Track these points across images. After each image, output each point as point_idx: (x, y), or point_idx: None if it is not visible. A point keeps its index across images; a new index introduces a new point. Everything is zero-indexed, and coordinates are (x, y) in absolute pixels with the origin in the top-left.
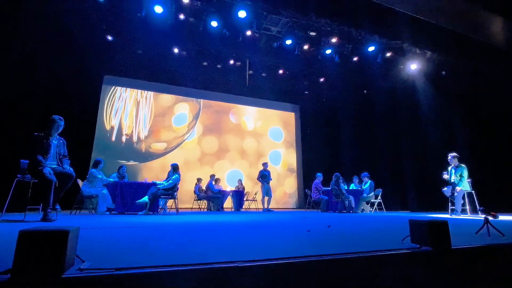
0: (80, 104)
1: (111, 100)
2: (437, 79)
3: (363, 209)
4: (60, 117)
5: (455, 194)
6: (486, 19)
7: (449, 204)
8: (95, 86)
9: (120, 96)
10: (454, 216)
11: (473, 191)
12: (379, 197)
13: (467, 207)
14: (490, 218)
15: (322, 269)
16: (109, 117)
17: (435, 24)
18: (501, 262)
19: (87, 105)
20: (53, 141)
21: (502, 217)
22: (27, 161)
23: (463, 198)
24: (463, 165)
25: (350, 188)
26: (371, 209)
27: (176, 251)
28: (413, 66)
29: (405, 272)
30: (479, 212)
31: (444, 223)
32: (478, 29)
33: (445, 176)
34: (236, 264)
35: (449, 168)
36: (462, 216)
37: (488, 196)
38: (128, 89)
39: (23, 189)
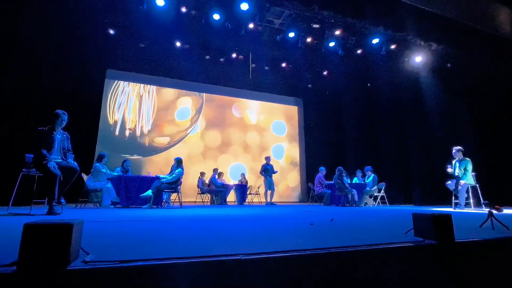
0: (84, 99)
1: (114, 94)
2: (442, 72)
3: (366, 203)
4: (64, 111)
5: (459, 187)
6: (492, 10)
7: (453, 197)
8: (98, 80)
9: (123, 90)
10: (457, 210)
11: (477, 185)
12: (382, 191)
13: (471, 200)
14: (494, 211)
15: (326, 262)
16: (113, 111)
17: (441, 15)
18: (506, 255)
19: (90, 99)
20: (57, 135)
21: (506, 211)
22: (32, 155)
23: (467, 191)
24: (468, 159)
25: (353, 182)
26: (374, 203)
27: (179, 244)
28: (418, 59)
29: (409, 265)
30: (483, 205)
31: (448, 216)
32: (485, 20)
33: (449, 170)
34: (239, 257)
35: (453, 162)
36: (466, 210)
37: (492, 190)
38: (131, 83)
39: (29, 183)
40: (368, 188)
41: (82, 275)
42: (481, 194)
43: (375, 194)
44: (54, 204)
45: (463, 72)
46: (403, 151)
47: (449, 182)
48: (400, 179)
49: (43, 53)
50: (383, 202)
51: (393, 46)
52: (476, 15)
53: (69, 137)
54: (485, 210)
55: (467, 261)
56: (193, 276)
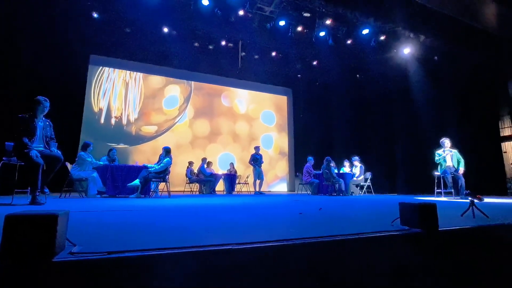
0: (66, 85)
1: (99, 81)
2: (429, 64)
3: (352, 192)
4: (45, 98)
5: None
6: (479, 4)
7: (435, 187)
8: (81, 66)
9: (108, 77)
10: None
11: None
12: (369, 180)
13: (453, 190)
14: (476, 201)
15: (314, 251)
16: (97, 98)
17: (430, 8)
18: (486, 243)
19: (73, 86)
20: (39, 123)
21: (486, 200)
22: (12, 144)
23: (448, 181)
24: (455, 150)
25: (341, 171)
26: (361, 192)
27: (168, 234)
28: (406, 51)
29: (395, 253)
30: (464, 195)
31: (433, 205)
32: (472, 14)
33: (446, 157)
34: (229, 247)
35: (444, 153)
36: (446, 199)
37: (473, 180)
38: (116, 70)
39: (10, 172)
40: (355, 178)
41: (69, 266)
42: (464, 184)
43: (361, 183)
44: (38, 193)
45: (450, 64)
46: (390, 142)
47: (446, 175)
48: (386, 169)
49: (22, 37)
50: (369, 191)
51: (382, 37)
52: (464, 9)
53: (51, 124)
54: (467, 199)
55: (450, 248)
56: (182, 267)
